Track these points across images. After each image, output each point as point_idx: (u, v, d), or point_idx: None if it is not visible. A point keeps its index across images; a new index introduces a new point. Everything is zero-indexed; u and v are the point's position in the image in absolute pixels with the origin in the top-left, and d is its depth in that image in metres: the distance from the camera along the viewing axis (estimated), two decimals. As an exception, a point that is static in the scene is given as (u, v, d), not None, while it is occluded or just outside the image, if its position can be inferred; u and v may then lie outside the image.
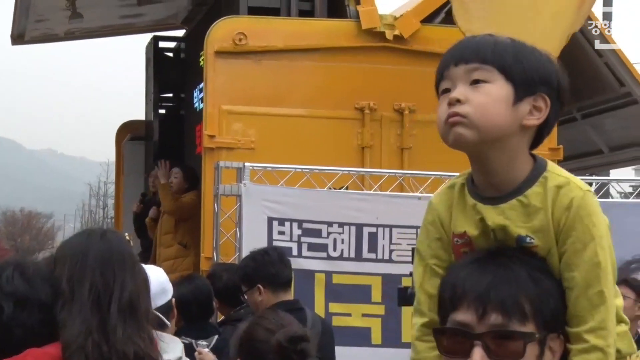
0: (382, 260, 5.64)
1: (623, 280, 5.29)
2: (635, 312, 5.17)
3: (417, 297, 1.84)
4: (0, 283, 2.39)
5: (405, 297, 4.97)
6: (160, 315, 3.15)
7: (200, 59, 7.55)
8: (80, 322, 2.34)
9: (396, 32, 6.91)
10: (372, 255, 5.71)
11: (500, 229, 1.74)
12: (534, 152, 1.80)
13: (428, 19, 7.08)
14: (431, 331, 1.74)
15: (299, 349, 2.66)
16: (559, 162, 7.01)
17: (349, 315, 5.75)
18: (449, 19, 7.21)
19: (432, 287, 1.80)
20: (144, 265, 3.28)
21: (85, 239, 2.49)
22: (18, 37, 9.93)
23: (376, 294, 5.71)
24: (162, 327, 3.14)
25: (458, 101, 1.71)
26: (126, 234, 8.77)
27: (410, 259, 5.24)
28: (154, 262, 7.68)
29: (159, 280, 3.22)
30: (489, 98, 1.71)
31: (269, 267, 4.34)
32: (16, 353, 2.31)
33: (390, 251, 5.72)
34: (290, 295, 4.41)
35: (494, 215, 1.74)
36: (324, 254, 5.68)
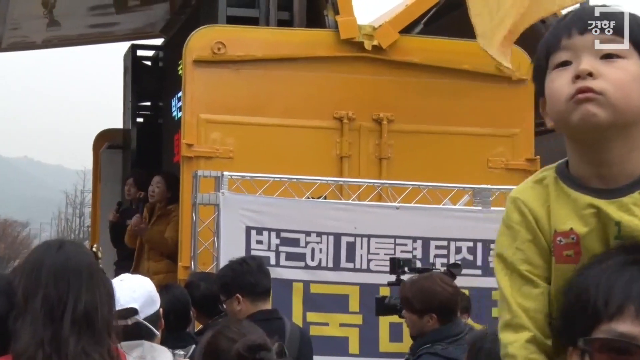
0: (360, 270, 5.62)
1: None
2: None
3: (510, 310, 1.59)
4: None
5: (383, 306, 4.96)
6: (149, 325, 3.15)
7: (179, 68, 7.52)
8: (32, 334, 2.33)
9: (375, 43, 6.91)
10: (350, 265, 5.69)
11: (628, 226, 1.51)
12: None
13: (407, 30, 7.09)
14: (537, 348, 1.53)
15: (258, 358, 2.66)
16: (536, 174, 7.04)
17: (327, 324, 5.73)
18: (427, 30, 7.25)
19: (524, 297, 1.58)
20: (131, 276, 3.28)
21: (42, 250, 2.49)
22: (-5, 45, 9.86)
23: (354, 304, 5.69)
24: (151, 337, 3.14)
25: (590, 75, 1.48)
26: (95, 245, 8.63)
27: (387, 268, 5.23)
28: (138, 273, 7.59)
29: (147, 290, 3.23)
30: (628, 75, 1.49)
31: (248, 276, 4.32)
32: None
33: (369, 261, 5.70)
34: (269, 305, 4.39)
35: (614, 210, 1.52)
36: (302, 264, 5.66)
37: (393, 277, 5.05)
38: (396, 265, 5.05)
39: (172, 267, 7.23)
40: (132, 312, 3.13)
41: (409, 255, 5.57)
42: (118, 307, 3.01)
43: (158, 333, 3.19)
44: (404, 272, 5.02)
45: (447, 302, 4.08)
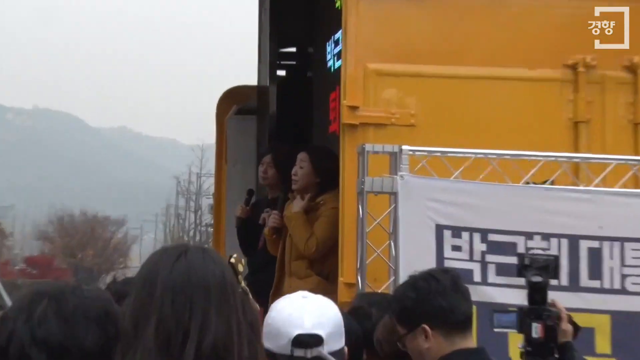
0: (610, 291, 5.58)
1: None
2: None
3: None
4: (31, 325, 2.51)
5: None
6: None
7: (337, 0, 7.57)
8: None
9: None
10: (596, 283, 5.64)
11: None
12: None
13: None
14: None
15: None
16: None
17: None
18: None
19: None
20: (317, 295, 3.41)
21: (157, 259, 2.59)
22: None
23: (602, 342, 5.61)
24: None
25: None
26: (234, 256, 8.81)
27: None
28: (278, 294, 7.69)
29: (337, 316, 3.37)
30: None
31: (439, 298, 4.32)
32: None
33: (623, 276, 5.66)
34: (470, 342, 4.38)
35: None
36: (521, 280, 5.62)
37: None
38: (521, 265, 4.94)
39: (322, 286, 7.25)
40: (318, 341, 3.24)
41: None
42: (301, 332, 3.22)
43: None
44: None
45: None
